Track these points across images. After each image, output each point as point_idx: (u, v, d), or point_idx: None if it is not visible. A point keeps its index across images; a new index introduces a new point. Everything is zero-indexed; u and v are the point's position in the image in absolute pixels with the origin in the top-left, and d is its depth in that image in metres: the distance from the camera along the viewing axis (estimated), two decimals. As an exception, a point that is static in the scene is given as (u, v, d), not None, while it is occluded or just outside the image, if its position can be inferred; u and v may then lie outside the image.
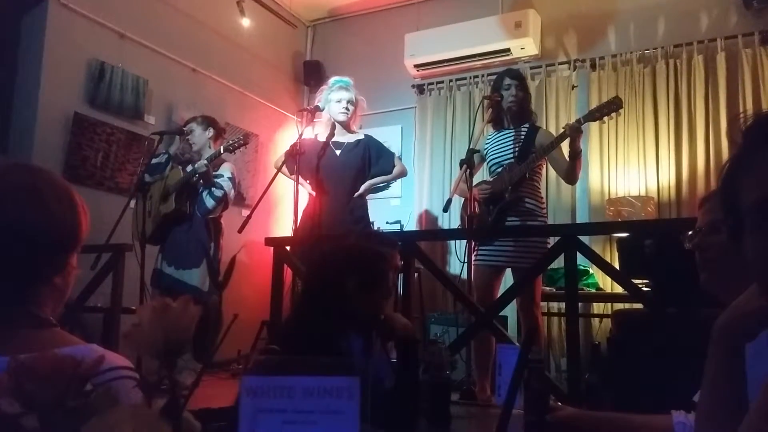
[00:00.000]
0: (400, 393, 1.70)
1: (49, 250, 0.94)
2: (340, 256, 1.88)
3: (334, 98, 3.75)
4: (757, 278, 0.72)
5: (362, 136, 3.87)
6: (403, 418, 1.67)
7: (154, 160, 4.02)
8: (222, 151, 3.84)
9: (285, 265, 3.32)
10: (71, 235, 0.96)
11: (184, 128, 4.07)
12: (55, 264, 0.95)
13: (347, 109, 3.73)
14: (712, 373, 0.82)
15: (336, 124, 3.75)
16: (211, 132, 4.02)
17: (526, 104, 3.46)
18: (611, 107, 3.09)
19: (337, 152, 3.77)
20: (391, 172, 3.89)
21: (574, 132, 3.07)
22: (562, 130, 3.18)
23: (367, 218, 3.86)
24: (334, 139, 3.76)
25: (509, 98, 3.36)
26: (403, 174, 4.00)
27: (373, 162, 3.84)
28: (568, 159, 3.21)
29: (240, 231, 3.26)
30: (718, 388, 0.80)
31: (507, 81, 3.39)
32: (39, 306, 0.94)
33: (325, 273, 1.87)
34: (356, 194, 3.76)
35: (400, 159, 4.11)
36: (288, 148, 3.69)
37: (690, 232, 1.27)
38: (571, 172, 3.23)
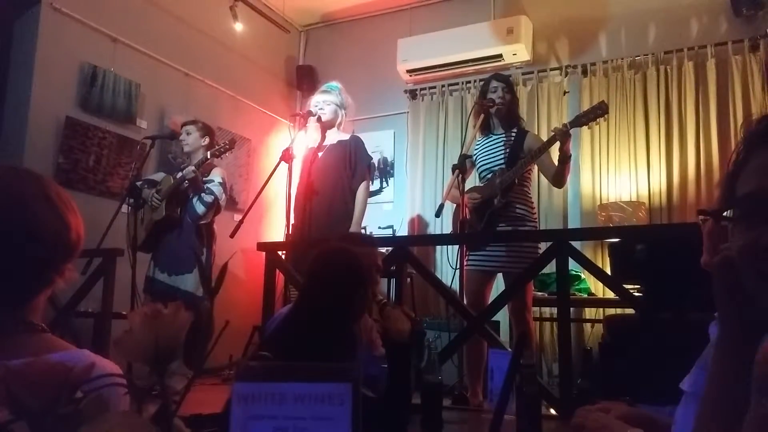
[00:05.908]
0: (391, 397, 1.70)
1: (60, 256, 0.94)
2: (341, 261, 1.89)
3: (312, 102, 3.82)
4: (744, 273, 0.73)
5: (346, 137, 3.82)
6: (395, 422, 1.67)
7: (151, 176, 4.06)
8: (209, 157, 3.86)
9: (277, 270, 3.32)
10: (76, 240, 0.96)
11: (182, 128, 4.08)
12: (60, 269, 0.96)
13: (322, 109, 3.74)
14: None
15: (326, 128, 3.76)
16: (206, 140, 4.04)
17: (514, 108, 3.48)
18: (597, 112, 3.10)
19: (320, 155, 3.76)
20: (361, 182, 3.71)
21: (563, 136, 3.08)
22: (552, 133, 3.19)
23: (350, 222, 3.68)
24: (323, 143, 3.77)
25: (496, 100, 3.37)
26: (366, 193, 3.74)
27: (355, 165, 3.74)
28: (557, 163, 3.22)
29: (232, 236, 3.25)
30: None
31: (494, 84, 3.42)
32: (30, 311, 0.93)
33: (328, 278, 1.88)
34: (351, 226, 3.60)
35: (375, 173, 3.92)
36: (281, 154, 3.69)
37: None
38: (559, 176, 3.24)
